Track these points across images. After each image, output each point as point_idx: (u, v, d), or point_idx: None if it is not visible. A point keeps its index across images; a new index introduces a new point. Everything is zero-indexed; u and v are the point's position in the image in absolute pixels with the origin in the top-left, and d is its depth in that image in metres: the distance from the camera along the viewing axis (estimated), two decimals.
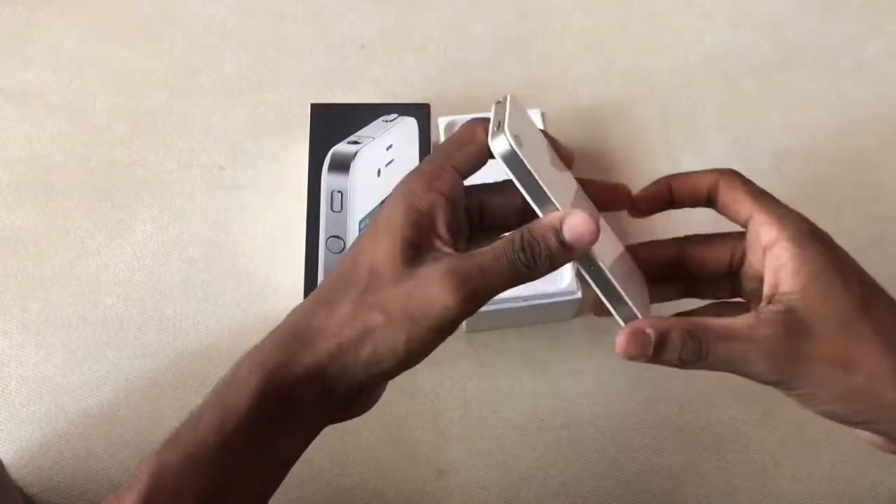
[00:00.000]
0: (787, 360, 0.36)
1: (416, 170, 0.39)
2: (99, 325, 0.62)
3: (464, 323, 0.61)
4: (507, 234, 0.37)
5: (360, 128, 0.63)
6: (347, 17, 0.76)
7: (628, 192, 0.42)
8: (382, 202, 0.55)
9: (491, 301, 0.58)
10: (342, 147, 0.62)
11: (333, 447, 0.58)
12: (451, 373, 0.61)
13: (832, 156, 0.71)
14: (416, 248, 0.37)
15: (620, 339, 0.37)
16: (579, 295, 0.59)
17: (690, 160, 0.70)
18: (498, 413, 0.60)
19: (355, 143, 0.62)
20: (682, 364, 0.36)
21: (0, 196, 0.66)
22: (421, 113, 0.63)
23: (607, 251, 0.39)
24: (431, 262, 0.36)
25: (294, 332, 0.37)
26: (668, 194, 0.42)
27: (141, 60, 0.73)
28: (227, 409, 0.36)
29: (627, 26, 0.77)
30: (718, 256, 0.42)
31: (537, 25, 0.76)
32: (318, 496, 0.57)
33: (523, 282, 0.37)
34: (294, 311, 0.39)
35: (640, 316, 0.38)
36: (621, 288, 0.38)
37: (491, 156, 0.38)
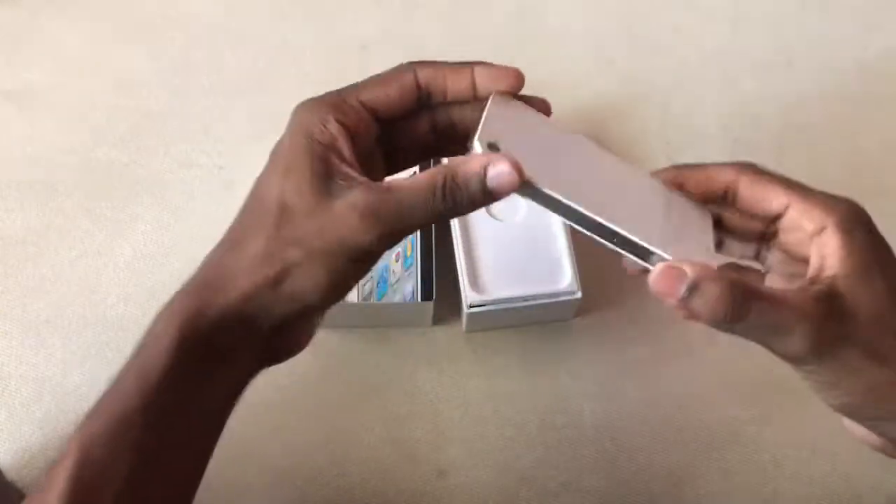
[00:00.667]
0: (828, 339, 0.35)
1: (318, 99, 0.38)
2: (99, 325, 0.62)
3: (464, 323, 0.61)
4: (425, 171, 0.36)
5: None
6: (347, 17, 0.76)
7: (548, 107, 0.42)
8: None
9: (491, 301, 0.58)
10: None
11: (333, 447, 0.58)
12: (451, 373, 0.61)
13: (832, 156, 0.71)
14: (326, 180, 0.36)
15: (653, 274, 0.35)
16: (579, 295, 0.59)
17: (690, 160, 0.69)
18: (498, 413, 0.60)
19: None
20: (716, 319, 0.34)
21: (0, 196, 0.66)
22: None
23: (612, 200, 0.38)
24: (345, 192, 0.36)
25: (204, 278, 0.37)
26: (679, 186, 0.41)
27: (141, 60, 0.73)
28: (145, 369, 0.35)
29: (627, 26, 0.77)
30: (753, 223, 0.41)
31: (537, 25, 0.76)
32: (318, 496, 0.57)
33: (439, 219, 0.37)
34: (205, 258, 0.38)
35: (669, 257, 0.36)
36: (630, 232, 0.36)
37: (429, 108, 0.38)
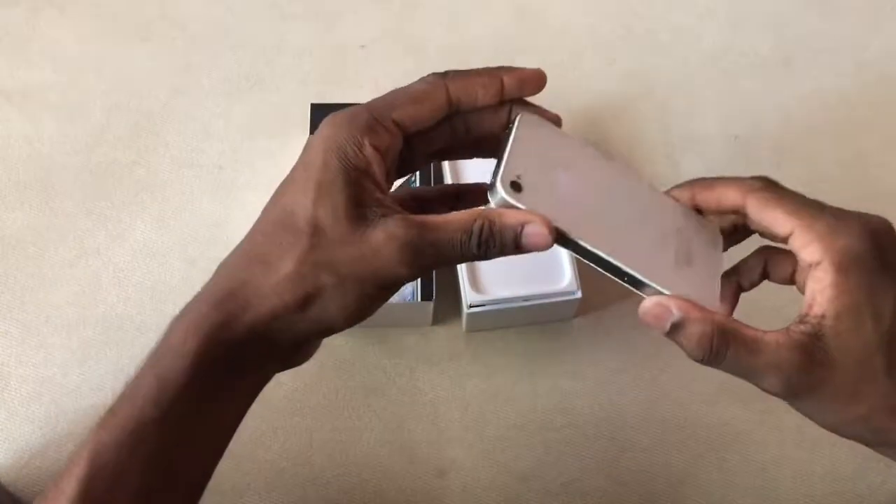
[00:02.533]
0: (803, 386, 0.36)
1: (351, 116, 0.37)
2: (99, 325, 0.62)
3: (464, 323, 0.61)
4: (462, 212, 0.37)
5: None
6: (347, 17, 0.76)
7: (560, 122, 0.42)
8: None
9: (491, 301, 0.58)
10: None
11: (333, 447, 0.58)
12: (451, 373, 0.61)
13: (832, 156, 0.71)
14: (360, 206, 0.36)
15: (645, 304, 0.37)
16: (579, 295, 0.59)
17: (690, 160, 0.70)
18: (498, 413, 0.60)
19: None
20: (694, 358, 0.37)
21: (0, 196, 0.66)
22: None
23: (627, 234, 0.39)
24: (381, 221, 0.36)
25: (230, 290, 0.36)
26: (692, 202, 0.41)
27: (141, 60, 0.73)
28: (163, 379, 0.35)
29: (627, 26, 0.77)
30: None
31: (537, 25, 0.76)
32: (318, 496, 0.57)
33: (467, 262, 0.38)
34: (223, 267, 0.38)
35: (665, 293, 0.37)
36: (633, 269, 0.37)
37: (450, 118, 0.39)
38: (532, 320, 0.62)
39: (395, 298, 0.58)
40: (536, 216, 0.36)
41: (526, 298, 0.59)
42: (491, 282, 0.59)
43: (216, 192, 0.67)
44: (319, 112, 0.63)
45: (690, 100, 0.73)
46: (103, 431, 0.35)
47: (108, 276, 0.64)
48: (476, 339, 0.62)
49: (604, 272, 0.38)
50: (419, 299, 0.58)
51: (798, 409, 0.38)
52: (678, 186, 0.41)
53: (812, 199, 0.38)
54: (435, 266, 0.37)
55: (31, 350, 0.61)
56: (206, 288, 0.37)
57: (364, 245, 0.35)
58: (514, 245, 0.36)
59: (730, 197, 0.39)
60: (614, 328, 0.63)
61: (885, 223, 0.37)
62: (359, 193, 0.36)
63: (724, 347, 0.36)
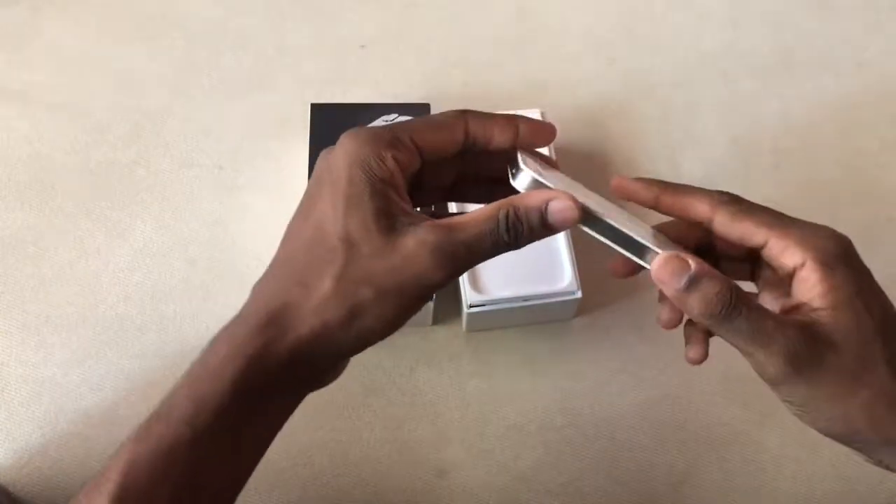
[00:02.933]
0: (805, 360, 0.36)
1: (373, 132, 0.38)
2: (99, 325, 0.62)
3: (464, 323, 0.61)
4: (485, 206, 0.37)
5: None
6: (347, 17, 0.76)
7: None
8: None
9: (491, 301, 0.58)
10: None
11: (333, 447, 0.58)
12: (451, 373, 0.61)
13: (832, 156, 0.71)
14: (388, 217, 0.36)
15: (656, 262, 0.37)
16: (579, 295, 0.59)
17: (690, 160, 0.70)
18: (498, 413, 0.60)
19: None
20: (711, 313, 0.36)
21: (0, 196, 0.66)
22: (421, 113, 0.63)
23: (625, 220, 0.40)
24: (410, 230, 0.36)
25: (270, 313, 0.36)
26: (654, 203, 0.41)
27: (141, 60, 0.73)
28: (201, 401, 0.35)
29: (627, 26, 0.77)
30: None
31: (537, 25, 0.76)
32: (318, 496, 0.57)
33: (501, 253, 0.38)
34: (261, 288, 0.38)
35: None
36: (641, 237, 0.38)
37: (464, 154, 0.39)
38: (532, 320, 0.62)
39: None
40: (560, 192, 0.37)
41: (526, 298, 0.59)
42: (491, 282, 0.59)
43: (216, 192, 0.67)
44: (319, 112, 0.63)
45: (690, 100, 0.73)
46: (137, 447, 0.35)
47: (108, 276, 0.64)
48: (476, 339, 0.62)
49: (623, 251, 0.38)
50: None
51: (794, 400, 0.37)
52: (641, 180, 0.41)
53: (779, 212, 0.39)
54: (469, 264, 0.37)
55: (31, 350, 0.61)
56: (246, 310, 0.38)
57: (397, 255, 0.36)
58: (541, 225, 0.37)
59: (698, 208, 0.39)
60: (614, 328, 0.63)
61: (846, 237, 0.38)
62: (386, 205, 0.36)
63: (739, 305, 0.35)
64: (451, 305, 0.61)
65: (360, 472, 0.58)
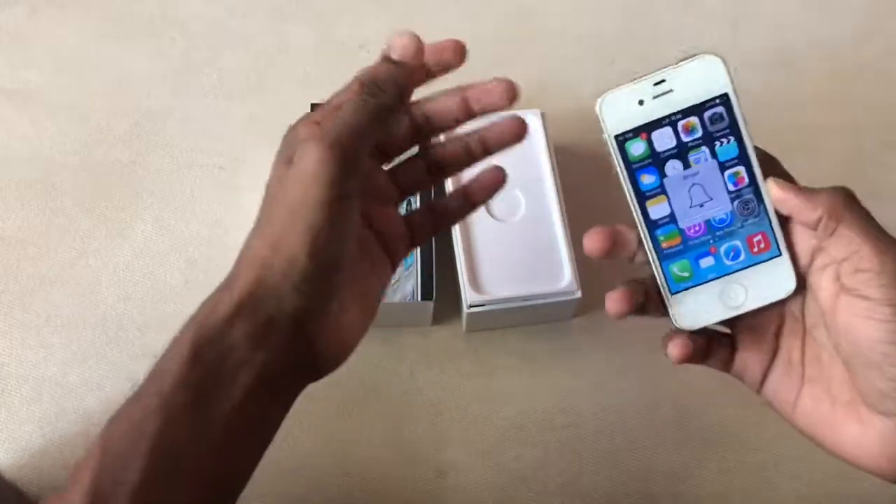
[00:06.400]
0: (839, 214, 0.40)
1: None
2: (99, 325, 0.62)
3: (464, 323, 0.61)
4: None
5: None
6: (347, 17, 0.76)
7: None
8: None
9: (491, 301, 0.58)
10: None
11: (333, 447, 0.58)
12: (451, 373, 0.61)
13: (832, 156, 0.71)
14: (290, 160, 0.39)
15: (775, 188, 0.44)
16: (579, 295, 0.59)
17: None
18: (498, 413, 0.60)
19: None
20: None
21: (0, 196, 0.66)
22: None
23: None
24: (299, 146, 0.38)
25: (223, 283, 0.39)
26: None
27: (141, 60, 0.73)
28: (164, 372, 0.36)
29: (627, 26, 0.77)
30: None
31: (537, 25, 0.76)
32: (318, 496, 0.57)
33: (387, 117, 0.39)
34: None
35: None
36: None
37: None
38: (532, 320, 0.62)
39: (395, 298, 0.58)
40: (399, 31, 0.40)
41: (526, 298, 0.59)
42: (491, 282, 0.59)
43: (216, 192, 0.67)
44: None
45: None
46: (113, 425, 0.36)
47: (108, 276, 0.64)
48: (476, 339, 0.62)
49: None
50: (419, 299, 0.58)
51: (831, 308, 0.39)
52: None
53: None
54: (354, 146, 0.37)
55: (31, 350, 0.61)
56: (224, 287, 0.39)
57: (289, 172, 0.37)
58: (391, 63, 0.40)
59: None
60: (614, 328, 0.63)
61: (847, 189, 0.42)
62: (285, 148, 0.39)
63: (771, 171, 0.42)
64: (451, 305, 0.61)
65: (361, 473, 0.58)
